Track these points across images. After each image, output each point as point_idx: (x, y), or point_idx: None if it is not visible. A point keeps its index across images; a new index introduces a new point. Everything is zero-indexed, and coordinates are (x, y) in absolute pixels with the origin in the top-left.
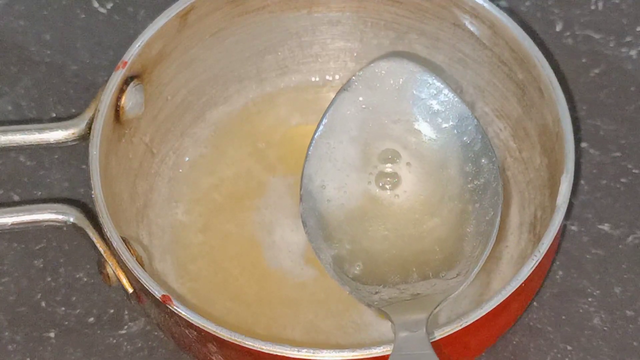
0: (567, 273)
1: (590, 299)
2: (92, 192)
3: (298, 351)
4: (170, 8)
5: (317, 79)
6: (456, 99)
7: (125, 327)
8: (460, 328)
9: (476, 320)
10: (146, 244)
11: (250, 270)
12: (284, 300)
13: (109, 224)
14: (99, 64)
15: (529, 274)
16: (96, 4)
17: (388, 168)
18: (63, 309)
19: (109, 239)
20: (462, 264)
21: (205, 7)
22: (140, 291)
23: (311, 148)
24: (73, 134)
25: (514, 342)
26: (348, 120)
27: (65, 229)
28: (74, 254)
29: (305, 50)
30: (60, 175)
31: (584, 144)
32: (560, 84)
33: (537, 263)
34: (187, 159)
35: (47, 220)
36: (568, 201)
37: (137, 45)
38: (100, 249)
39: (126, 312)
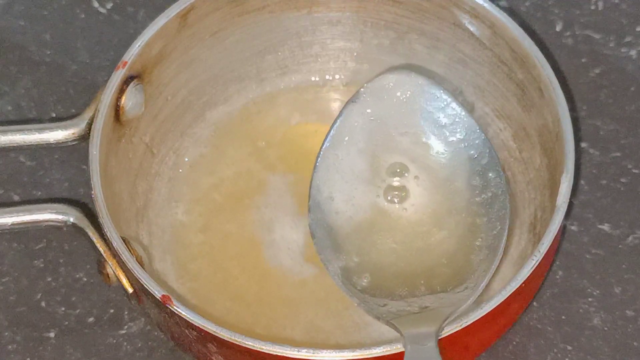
0: (567, 273)
1: (590, 299)
2: (92, 192)
3: (298, 351)
4: (170, 8)
5: (317, 79)
6: (464, 113)
7: (125, 327)
8: (460, 328)
9: (476, 321)
10: (146, 244)
11: (250, 269)
12: (283, 299)
13: (108, 224)
14: (99, 64)
15: (528, 274)
16: (96, 4)
17: (396, 182)
18: (63, 309)
19: (108, 239)
20: (469, 277)
21: (205, 7)
22: (140, 291)
23: (319, 159)
24: (73, 134)
25: (514, 342)
26: (356, 132)
27: (65, 229)
28: (74, 254)
29: (306, 50)
30: (60, 175)
31: (584, 144)
32: (560, 84)
33: (537, 263)
34: (187, 158)
35: (47, 220)
36: (568, 201)
37: (137, 45)
38: (100, 249)
39: (126, 312)
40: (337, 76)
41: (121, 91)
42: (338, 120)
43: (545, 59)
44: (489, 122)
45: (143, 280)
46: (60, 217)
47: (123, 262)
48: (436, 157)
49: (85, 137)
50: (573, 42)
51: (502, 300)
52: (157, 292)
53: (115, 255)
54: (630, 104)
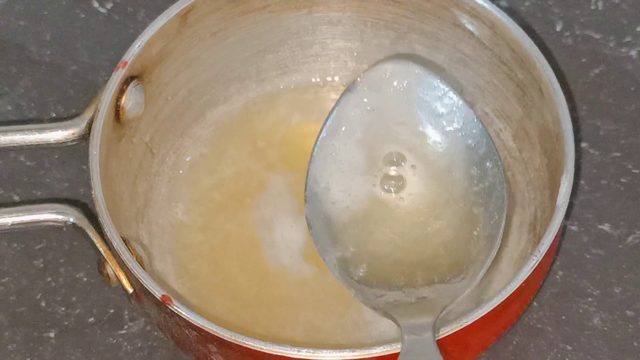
0: (567, 273)
1: (590, 299)
2: (92, 192)
3: (298, 351)
4: (171, 8)
5: (318, 79)
6: (461, 102)
7: (125, 327)
8: (460, 328)
9: (476, 320)
10: (146, 244)
11: (250, 269)
12: (283, 299)
13: (109, 224)
14: (99, 64)
15: (529, 274)
16: (96, 4)
17: (393, 171)
18: (63, 309)
19: (109, 239)
20: (467, 267)
21: (205, 7)
22: (140, 291)
23: (316, 149)
24: (73, 134)
25: (514, 342)
26: (352, 121)
27: (65, 229)
28: (74, 254)
29: (306, 50)
30: (60, 176)
31: (584, 144)
32: (560, 84)
33: (537, 263)
34: (187, 158)
35: (47, 221)
36: (568, 201)
37: (137, 45)
38: (100, 249)
39: (126, 312)
40: (337, 76)
41: (121, 91)
42: (335, 110)
43: (546, 60)
44: (489, 122)
45: (143, 280)
46: (60, 217)
47: (123, 262)
48: (433, 146)
49: (85, 137)
50: (573, 42)
51: (503, 300)
52: (157, 292)
53: (115, 255)
54: (630, 104)
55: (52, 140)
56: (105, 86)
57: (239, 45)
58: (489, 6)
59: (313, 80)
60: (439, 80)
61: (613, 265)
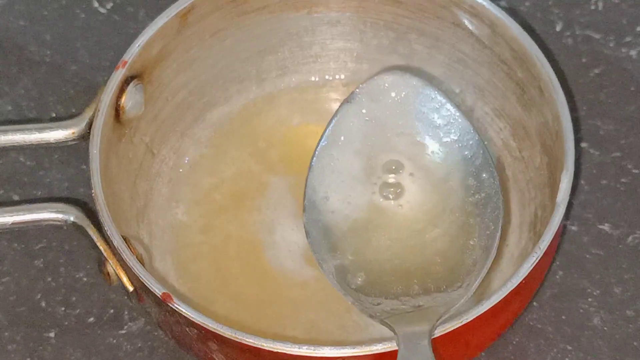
0: (567, 273)
1: (590, 299)
2: (92, 190)
3: (299, 348)
4: (170, 8)
5: (317, 80)
6: (458, 114)
7: (125, 327)
8: (460, 325)
9: (476, 318)
10: (147, 244)
11: (251, 270)
12: (284, 300)
13: (109, 222)
14: (99, 64)
15: (529, 271)
16: (96, 4)
17: (391, 178)
18: (63, 309)
19: (109, 237)
20: (463, 276)
21: (205, 7)
22: (141, 289)
23: (314, 159)
24: (73, 133)
25: (514, 342)
26: (351, 132)
27: (65, 228)
28: (74, 254)
29: (305, 51)
30: (60, 175)
31: (584, 144)
32: (561, 84)
33: (537, 260)
34: (187, 159)
35: (47, 220)
36: (568, 198)
37: (137, 45)
38: (101, 247)
39: (126, 312)
40: (337, 76)
41: (121, 91)
42: (333, 120)
43: (545, 57)
44: (489, 122)
45: (143, 278)
46: (60, 216)
47: (123, 260)
48: (431, 156)
49: (85, 137)
50: (573, 42)
51: (503, 297)
52: (158, 290)
53: (115, 253)
54: (630, 104)
55: (52, 140)
56: (105, 86)
57: (238, 46)
58: (488, 5)
59: (313, 80)
60: (436, 92)
61: (613, 265)
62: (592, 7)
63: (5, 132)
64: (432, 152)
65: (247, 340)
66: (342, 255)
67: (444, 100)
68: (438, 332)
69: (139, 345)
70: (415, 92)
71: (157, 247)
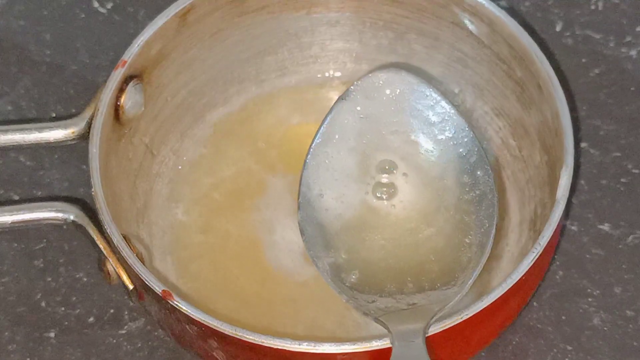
0: (567, 273)
1: (590, 299)
2: (92, 189)
3: (299, 345)
4: (170, 7)
5: (317, 80)
6: (453, 111)
7: (125, 327)
8: (460, 321)
9: (477, 314)
10: (147, 244)
11: (251, 270)
12: (285, 299)
13: (108, 220)
14: (99, 64)
15: (529, 267)
16: (96, 4)
17: (384, 178)
18: (63, 309)
19: (109, 235)
20: (457, 274)
21: (204, 7)
22: (141, 287)
23: (309, 156)
24: (73, 132)
25: (514, 342)
26: (346, 129)
27: (65, 227)
28: (74, 253)
29: (305, 51)
30: (60, 176)
31: (584, 144)
32: (561, 84)
33: (537, 256)
34: (187, 159)
35: (47, 219)
36: (568, 194)
37: (136, 45)
38: (101, 246)
39: (126, 312)
40: (336, 77)
41: (121, 90)
42: (328, 118)
43: (544, 55)
44: (488, 121)
45: (143, 275)
46: (60, 215)
47: (123, 259)
48: (425, 154)
49: (85, 136)
50: (573, 42)
51: (503, 292)
52: (158, 288)
53: (115, 251)
54: (630, 104)
55: (51, 139)
56: (105, 85)
57: (238, 47)
58: (487, 3)
59: (312, 80)
60: (431, 89)
61: (613, 265)
62: (592, 7)
63: (5, 131)
64: (427, 150)
65: (247, 337)
66: (336, 253)
67: (438, 98)
68: (439, 328)
69: (139, 345)
70: (410, 89)
71: (157, 247)
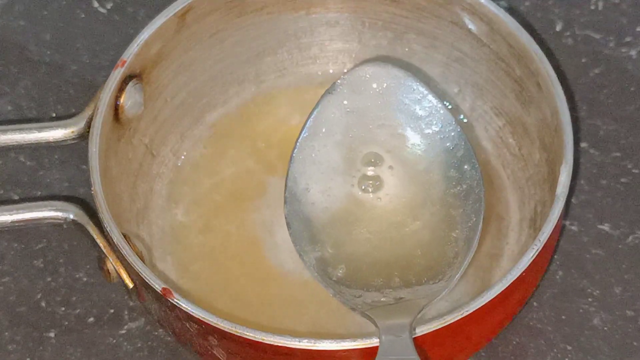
0: (567, 273)
1: (590, 299)
2: (92, 188)
3: (299, 342)
4: (169, 7)
5: (316, 80)
6: (440, 105)
7: (125, 327)
8: (461, 317)
9: (478, 309)
10: (147, 245)
11: (251, 270)
12: (285, 299)
13: (108, 219)
14: (99, 64)
15: (529, 263)
16: (96, 4)
17: (370, 171)
18: (63, 309)
19: (108, 234)
20: (444, 269)
21: (203, 8)
22: (141, 285)
23: (295, 150)
24: (72, 132)
25: (514, 342)
26: (332, 123)
27: (65, 226)
28: (74, 253)
29: (304, 52)
30: (59, 175)
31: (584, 144)
32: (561, 84)
33: (537, 252)
34: (187, 159)
35: (47, 218)
36: (567, 191)
37: (136, 44)
38: (101, 244)
39: (126, 312)
40: (336, 77)
41: (120, 90)
42: (315, 112)
43: (543, 52)
44: (487, 120)
45: (143, 274)
46: (60, 214)
47: (123, 257)
48: (412, 148)
49: (84, 136)
50: (573, 42)
51: (504, 288)
52: (158, 285)
53: (115, 250)
54: (630, 104)
55: (51, 139)
56: (104, 85)
57: (237, 47)
58: (485, 2)
59: (312, 81)
60: (418, 83)
61: (613, 265)
62: (592, 7)
63: (5, 131)
64: (413, 144)
65: (247, 334)
66: (323, 247)
67: (425, 92)
68: (439, 325)
69: (139, 345)
70: (397, 83)
71: (157, 247)
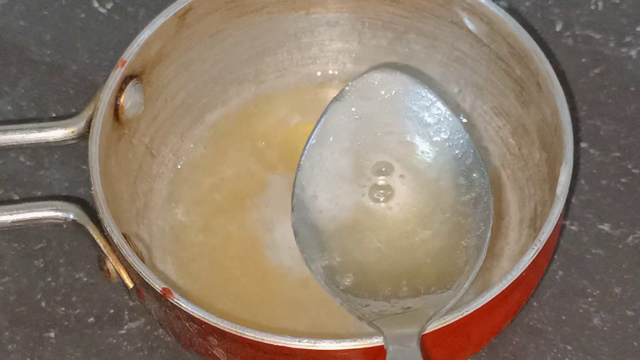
0: (567, 273)
1: (590, 299)
2: (92, 188)
3: (299, 341)
4: (169, 7)
5: (316, 80)
6: (448, 112)
7: (125, 327)
8: (461, 317)
9: (478, 309)
10: (147, 245)
11: (252, 270)
12: (285, 299)
13: (108, 218)
14: (99, 64)
15: (529, 263)
16: (96, 4)
17: (381, 181)
18: (63, 309)
19: (109, 234)
20: (453, 277)
21: (203, 8)
22: (141, 285)
23: (303, 157)
24: (72, 132)
25: (514, 342)
26: (340, 130)
27: (65, 226)
28: (74, 253)
29: (304, 52)
30: (59, 176)
31: (584, 144)
32: (561, 84)
33: (537, 252)
34: (187, 159)
35: (47, 218)
36: (567, 191)
37: (136, 44)
38: (101, 244)
39: (126, 312)
40: (335, 77)
41: (120, 90)
42: (323, 119)
43: (543, 52)
44: (487, 120)
45: (143, 273)
46: (60, 214)
47: (123, 257)
48: (421, 156)
49: (84, 136)
50: (573, 42)
51: (504, 288)
52: (158, 285)
53: (115, 250)
54: (630, 104)
55: (51, 139)
56: (105, 84)
57: (237, 47)
58: (485, 2)
59: (312, 81)
60: (426, 90)
61: (613, 265)
62: (592, 7)
63: (5, 131)
64: (422, 151)
65: (247, 334)
66: (330, 255)
67: (434, 99)
68: (439, 325)
69: (139, 345)
70: (406, 89)
71: (157, 247)
